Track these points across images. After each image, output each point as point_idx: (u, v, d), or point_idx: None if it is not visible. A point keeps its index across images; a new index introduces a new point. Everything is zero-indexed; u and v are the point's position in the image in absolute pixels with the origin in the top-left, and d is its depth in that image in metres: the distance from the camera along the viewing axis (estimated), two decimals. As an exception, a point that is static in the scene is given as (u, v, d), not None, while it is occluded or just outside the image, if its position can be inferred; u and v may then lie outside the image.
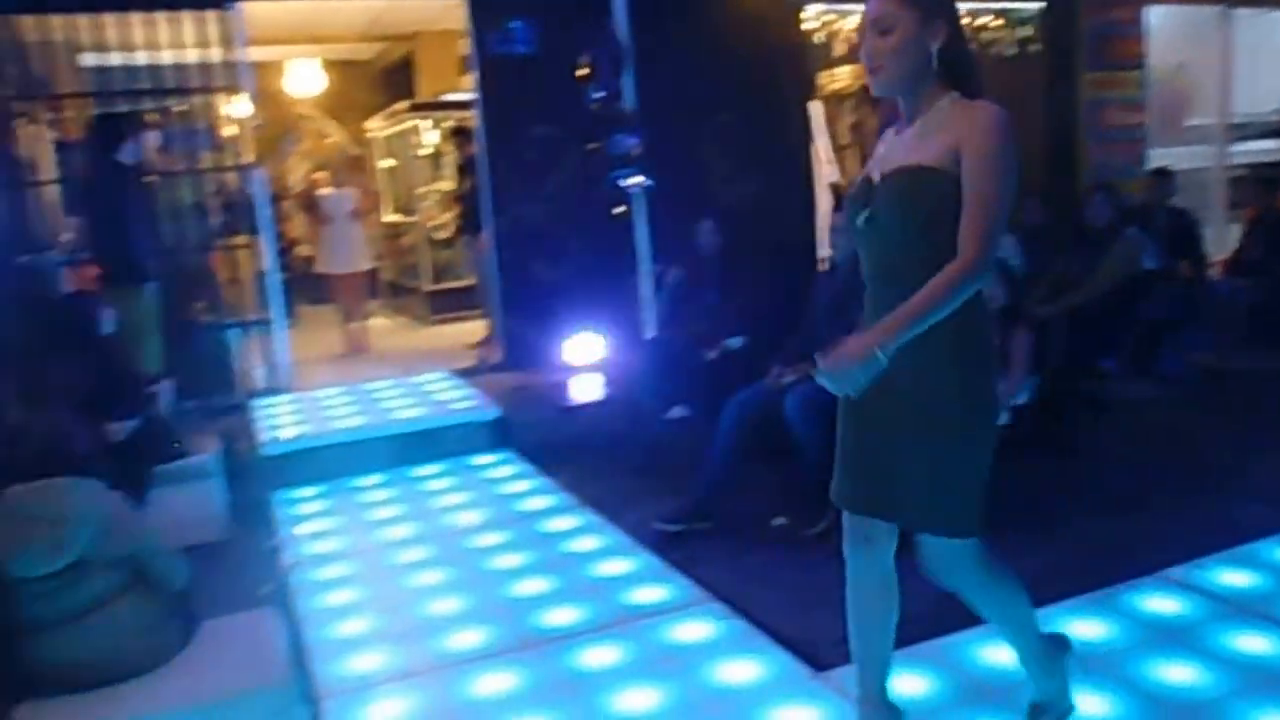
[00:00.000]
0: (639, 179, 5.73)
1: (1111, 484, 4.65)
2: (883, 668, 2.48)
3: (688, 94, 6.74)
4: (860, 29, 2.19)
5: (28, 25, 6.37)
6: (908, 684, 2.89)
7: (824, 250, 5.05)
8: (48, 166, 7.16)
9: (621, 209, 5.98)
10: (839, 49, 8.53)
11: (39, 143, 7.26)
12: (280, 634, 2.95)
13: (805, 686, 2.99)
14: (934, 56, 2.15)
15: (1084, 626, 3.18)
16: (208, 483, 4.86)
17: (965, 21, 2.77)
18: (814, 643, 3.22)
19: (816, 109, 8.52)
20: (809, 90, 8.21)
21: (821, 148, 8.57)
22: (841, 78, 9.65)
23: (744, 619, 3.48)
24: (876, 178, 2.25)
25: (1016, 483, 3.93)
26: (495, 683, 3.18)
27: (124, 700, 2.51)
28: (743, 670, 3.14)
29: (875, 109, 8.87)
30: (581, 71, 5.83)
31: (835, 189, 8.14)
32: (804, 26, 7.95)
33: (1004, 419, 3.88)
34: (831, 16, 8.33)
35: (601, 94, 5.82)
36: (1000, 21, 8.53)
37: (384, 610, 3.82)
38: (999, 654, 2.98)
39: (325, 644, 3.52)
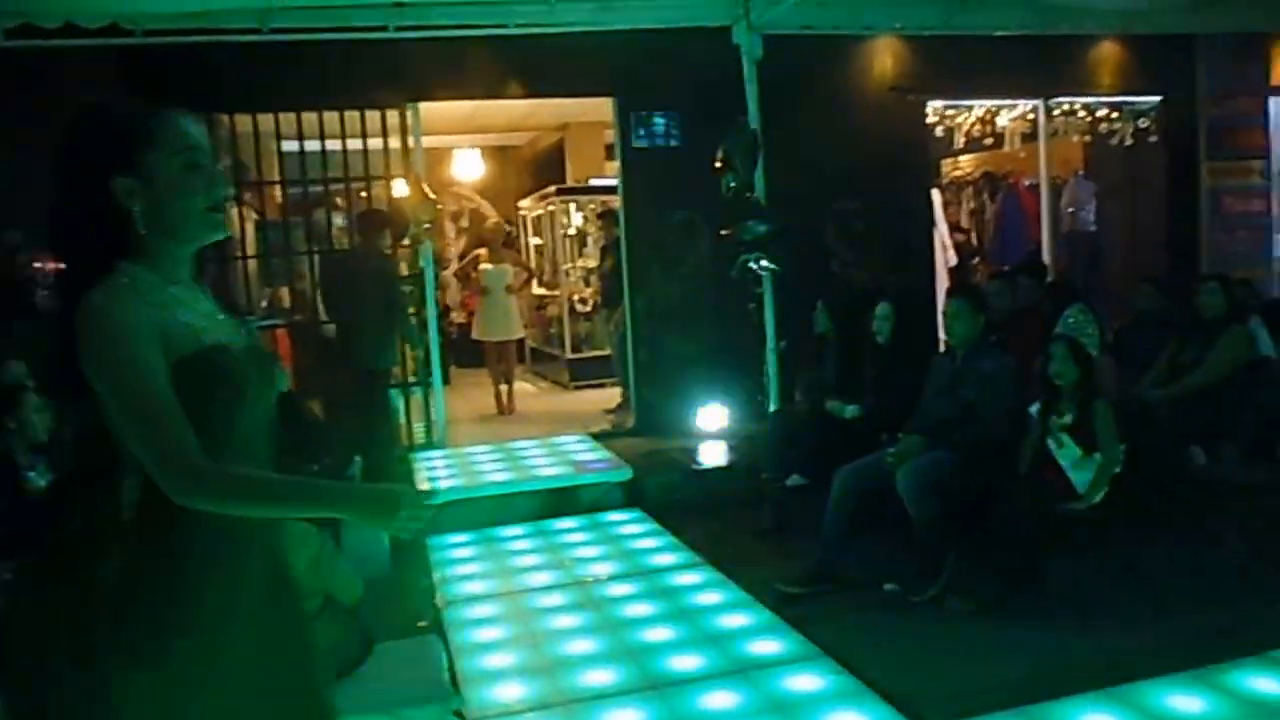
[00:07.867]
0: (766, 262, 6.16)
1: (1223, 567, 4.70)
2: None
3: (814, 182, 7.22)
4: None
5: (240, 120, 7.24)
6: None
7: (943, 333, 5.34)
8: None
9: (754, 294, 6.43)
10: (958, 140, 8.97)
11: (244, 222, 8.19)
12: (441, 658, 3.44)
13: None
14: None
15: (1184, 702, 3.38)
16: (373, 527, 5.45)
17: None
18: (917, 700, 3.51)
19: (936, 197, 8.86)
20: (930, 178, 8.59)
21: (941, 233, 8.87)
22: (964, 166, 10.03)
23: (853, 676, 3.78)
24: None
25: (1120, 561, 4.18)
26: (622, 718, 3.58)
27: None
28: (848, 720, 3.46)
29: (994, 197, 9.19)
30: (717, 163, 6.32)
31: (953, 273, 8.42)
32: (926, 120, 8.38)
33: (1102, 492, 4.12)
34: (952, 112, 8.79)
35: (734, 183, 6.28)
36: (1117, 114, 8.79)
37: (525, 647, 4.30)
38: None
39: (474, 673, 4.02)
